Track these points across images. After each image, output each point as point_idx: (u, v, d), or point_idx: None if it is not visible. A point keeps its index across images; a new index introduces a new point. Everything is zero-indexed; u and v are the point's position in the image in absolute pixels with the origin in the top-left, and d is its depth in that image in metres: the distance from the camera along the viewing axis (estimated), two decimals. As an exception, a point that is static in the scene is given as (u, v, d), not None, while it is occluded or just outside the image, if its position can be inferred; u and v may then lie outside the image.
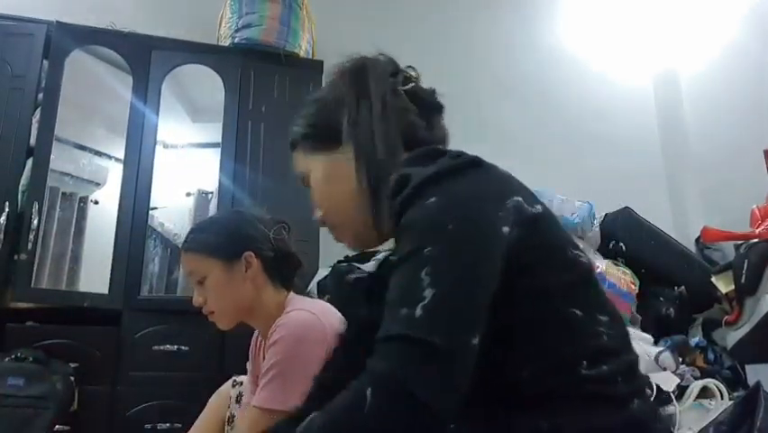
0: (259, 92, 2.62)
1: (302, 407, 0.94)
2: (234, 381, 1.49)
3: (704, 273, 2.47)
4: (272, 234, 1.37)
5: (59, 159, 2.35)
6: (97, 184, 2.57)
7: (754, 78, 2.97)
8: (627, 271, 2.43)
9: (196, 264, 1.33)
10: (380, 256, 1.01)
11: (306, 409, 0.94)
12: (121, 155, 2.44)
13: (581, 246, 0.88)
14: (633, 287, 2.38)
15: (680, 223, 3.08)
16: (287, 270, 1.40)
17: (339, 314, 1.24)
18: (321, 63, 2.65)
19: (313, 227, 1.17)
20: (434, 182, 0.68)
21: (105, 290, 2.27)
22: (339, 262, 2.22)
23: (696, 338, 2.28)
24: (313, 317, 1.24)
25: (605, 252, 2.53)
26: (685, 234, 2.92)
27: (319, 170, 0.88)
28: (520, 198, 0.70)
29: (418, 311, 0.60)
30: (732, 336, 2.20)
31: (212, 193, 2.61)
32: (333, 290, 2.11)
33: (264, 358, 1.29)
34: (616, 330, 0.71)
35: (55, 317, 2.18)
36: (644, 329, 2.26)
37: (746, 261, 2.13)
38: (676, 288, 2.50)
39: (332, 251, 2.13)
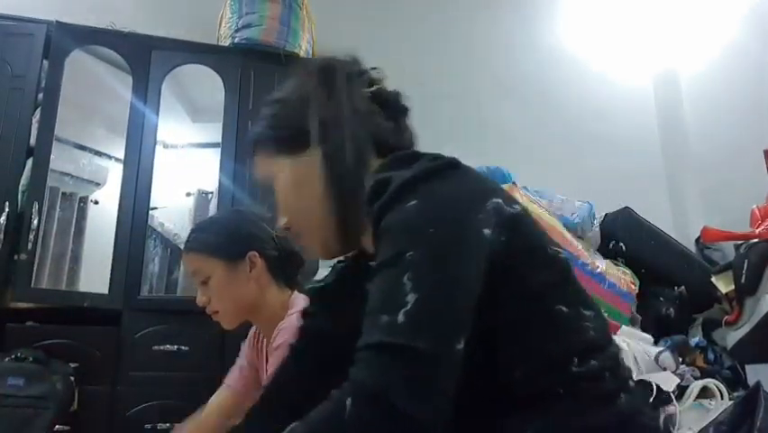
0: (259, 92, 2.61)
1: (249, 411, 0.95)
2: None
3: (704, 273, 2.47)
4: (275, 232, 1.36)
5: (59, 159, 2.35)
6: (97, 184, 2.57)
7: (754, 78, 2.96)
8: (627, 271, 2.43)
9: (199, 264, 1.32)
10: (339, 266, 0.98)
11: (254, 414, 0.96)
12: (121, 155, 2.44)
13: (558, 242, 0.88)
14: (633, 287, 2.38)
15: (680, 223, 3.08)
16: (290, 269, 1.40)
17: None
18: (321, 63, 2.65)
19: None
20: (412, 185, 0.67)
21: (105, 290, 2.27)
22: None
23: (696, 338, 2.28)
24: None
25: (605, 252, 2.53)
26: (685, 234, 2.92)
27: (284, 174, 0.82)
28: (500, 200, 0.69)
29: (400, 317, 0.58)
30: (732, 336, 2.20)
31: (212, 193, 2.61)
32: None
33: (267, 358, 1.29)
34: (599, 323, 0.71)
35: (55, 317, 2.17)
36: (644, 329, 2.26)
37: (746, 261, 2.13)
38: (676, 288, 2.50)
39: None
